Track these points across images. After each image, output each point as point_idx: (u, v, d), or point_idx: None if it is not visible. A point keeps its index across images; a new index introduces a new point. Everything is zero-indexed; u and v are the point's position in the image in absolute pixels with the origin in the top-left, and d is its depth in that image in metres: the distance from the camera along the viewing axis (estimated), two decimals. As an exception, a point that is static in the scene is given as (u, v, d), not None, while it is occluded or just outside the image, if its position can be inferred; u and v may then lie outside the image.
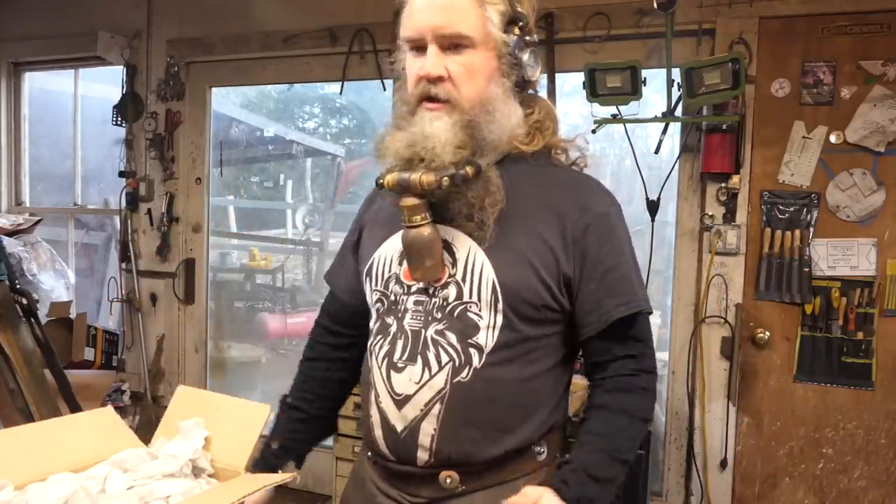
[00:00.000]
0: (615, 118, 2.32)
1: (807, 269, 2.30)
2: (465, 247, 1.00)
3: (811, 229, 2.30)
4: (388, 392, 1.01)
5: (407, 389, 0.99)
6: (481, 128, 0.98)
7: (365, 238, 1.16)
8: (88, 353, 3.09)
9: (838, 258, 2.28)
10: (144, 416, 3.14)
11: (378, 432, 1.03)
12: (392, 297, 1.05)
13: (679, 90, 2.22)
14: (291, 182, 5.14)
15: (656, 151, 2.40)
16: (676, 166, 2.45)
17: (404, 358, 1.00)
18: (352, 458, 1.12)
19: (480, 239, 0.99)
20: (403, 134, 0.98)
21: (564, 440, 1.10)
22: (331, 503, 2.54)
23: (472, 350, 0.98)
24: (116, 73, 3.22)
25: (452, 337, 0.99)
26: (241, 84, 3.40)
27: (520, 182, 1.01)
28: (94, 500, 0.92)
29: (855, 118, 2.24)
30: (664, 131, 2.37)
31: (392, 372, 1.01)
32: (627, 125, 2.35)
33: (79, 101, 3.60)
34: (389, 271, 1.06)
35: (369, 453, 1.10)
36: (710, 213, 2.38)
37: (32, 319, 2.32)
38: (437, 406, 0.98)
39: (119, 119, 3.20)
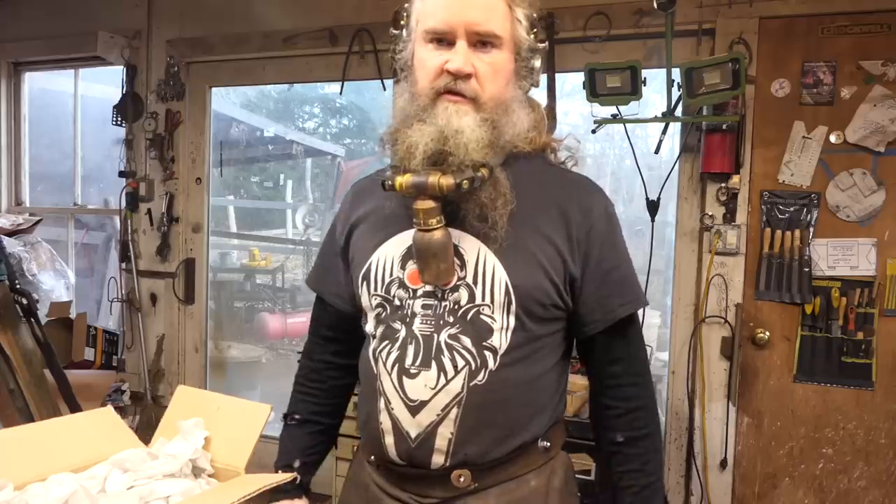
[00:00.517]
0: (615, 118, 2.32)
1: (807, 269, 2.30)
2: (474, 249, 1.00)
3: (811, 229, 2.30)
4: (402, 399, 0.99)
5: (422, 395, 0.98)
6: (500, 128, 0.98)
7: (356, 240, 1.11)
8: (88, 353, 3.09)
9: (838, 258, 2.28)
10: (144, 416, 3.14)
11: (389, 440, 1.01)
12: (396, 302, 1.02)
13: (679, 90, 2.21)
14: (291, 182, 5.15)
15: (656, 151, 2.40)
16: (676, 166, 2.45)
17: (417, 363, 0.99)
18: (351, 458, 1.12)
19: (491, 240, 0.99)
20: (429, 127, 0.95)
21: (565, 433, 1.13)
22: (330, 503, 2.54)
23: (486, 353, 0.99)
24: (116, 73, 3.22)
25: (467, 340, 0.98)
26: (241, 84, 3.40)
27: (523, 182, 1.01)
28: (94, 500, 0.92)
29: (855, 118, 2.24)
30: (664, 131, 2.37)
31: (405, 378, 0.99)
32: (627, 125, 2.35)
33: (79, 101, 3.60)
34: (391, 275, 1.03)
35: (372, 457, 1.09)
36: (710, 213, 2.38)
37: (32, 319, 2.32)
38: (455, 410, 0.98)
39: (119, 119, 3.20)
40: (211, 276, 3.31)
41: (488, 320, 0.99)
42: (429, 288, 1.00)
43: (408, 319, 1.01)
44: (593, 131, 2.34)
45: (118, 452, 1.03)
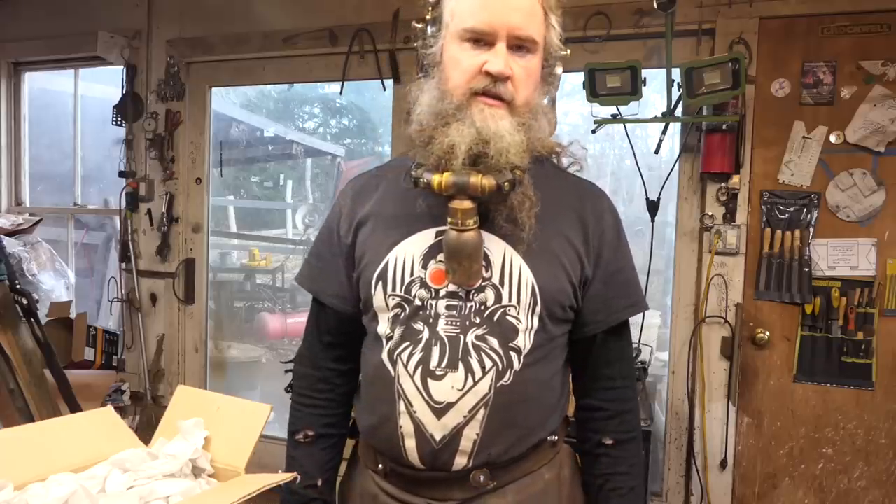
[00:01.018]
0: (615, 118, 2.32)
1: (807, 269, 2.30)
2: (500, 250, 1.00)
3: (811, 229, 2.30)
4: (426, 401, 0.98)
5: (449, 397, 0.97)
6: (532, 132, 0.99)
7: (365, 239, 1.07)
8: (88, 353, 3.08)
9: (838, 258, 2.28)
10: (144, 416, 3.14)
11: (410, 443, 1.00)
12: (417, 302, 1.00)
13: (679, 90, 2.21)
14: (291, 182, 5.14)
15: (656, 151, 2.40)
16: (676, 166, 2.45)
17: (443, 365, 0.98)
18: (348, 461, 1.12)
19: (516, 242, 0.99)
20: (468, 129, 0.94)
21: (567, 427, 1.14)
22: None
23: (512, 353, 0.99)
24: (116, 73, 3.22)
25: (494, 341, 0.98)
26: (241, 84, 3.40)
27: (541, 185, 1.01)
28: (94, 500, 0.92)
29: (855, 118, 2.24)
30: (664, 131, 2.37)
31: (430, 380, 0.98)
32: (627, 125, 2.35)
33: (79, 101, 3.60)
34: (412, 275, 1.01)
35: (379, 466, 1.07)
36: (710, 213, 2.38)
37: (32, 319, 2.32)
38: (482, 411, 0.98)
39: (119, 119, 3.20)
40: (211, 276, 3.30)
41: (514, 321, 0.99)
42: (452, 288, 0.99)
43: (431, 320, 1.00)
44: (593, 131, 2.34)
45: (118, 452, 1.03)
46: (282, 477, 1.01)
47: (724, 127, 2.27)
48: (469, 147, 0.93)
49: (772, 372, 2.37)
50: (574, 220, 1.05)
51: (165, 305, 3.23)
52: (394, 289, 1.02)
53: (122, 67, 3.18)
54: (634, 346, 1.18)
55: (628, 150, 2.43)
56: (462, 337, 0.98)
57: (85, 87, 3.66)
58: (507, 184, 0.93)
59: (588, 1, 2.44)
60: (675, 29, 2.21)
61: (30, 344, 2.26)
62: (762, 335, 2.35)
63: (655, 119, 2.35)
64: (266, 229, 5.24)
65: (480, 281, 0.99)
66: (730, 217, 2.36)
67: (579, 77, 2.25)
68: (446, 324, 0.99)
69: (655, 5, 2.08)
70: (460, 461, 0.99)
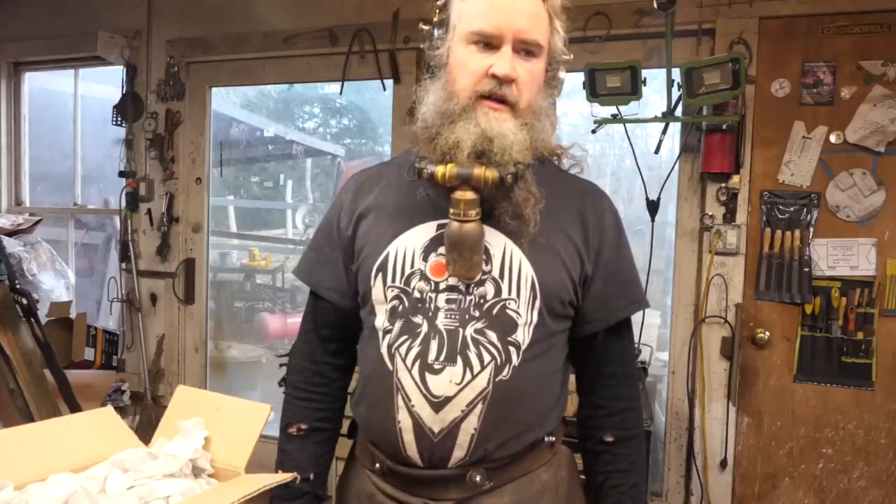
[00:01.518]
0: (615, 118, 2.32)
1: (807, 269, 2.30)
2: (500, 244, 1.01)
3: (811, 229, 2.30)
4: (424, 395, 0.98)
5: (447, 391, 0.97)
6: (535, 132, 1.00)
7: (365, 231, 1.08)
8: (88, 353, 3.08)
9: (838, 258, 2.28)
10: (144, 416, 3.14)
11: (408, 437, 1.00)
12: (417, 295, 1.01)
13: (679, 90, 2.21)
14: (291, 182, 5.14)
15: (656, 151, 2.40)
16: (676, 166, 2.45)
17: (441, 359, 0.98)
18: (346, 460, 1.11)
19: (517, 237, 1.00)
20: (473, 128, 0.96)
21: (565, 428, 1.14)
22: (330, 503, 2.54)
23: (511, 348, 0.99)
24: (116, 73, 3.22)
25: (493, 335, 0.99)
26: (241, 84, 3.40)
27: (543, 183, 1.02)
28: (94, 500, 0.92)
29: (855, 118, 2.24)
30: (664, 131, 2.37)
31: (428, 374, 0.98)
32: (627, 125, 2.35)
33: (79, 101, 3.60)
34: (412, 267, 1.01)
35: (376, 465, 1.07)
36: (710, 213, 2.38)
37: (32, 319, 2.32)
38: (480, 406, 0.98)
39: (119, 119, 3.20)
40: (211, 276, 3.30)
41: (514, 315, 1.00)
42: (452, 281, 0.99)
43: (430, 314, 1.00)
44: (593, 131, 2.34)
45: (118, 452, 1.03)
46: (282, 477, 1.01)
47: (724, 127, 2.27)
48: (474, 144, 0.95)
49: (772, 372, 2.37)
50: (575, 217, 1.06)
51: (165, 305, 3.23)
52: (393, 280, 1.02)
53: (122, 67, 3.18)
54: (635, 345, 1.18)
55: (628, 150, 2.43)
56: (461, 330, 0.98)
57: (85, 87, 3.66)
58: (510, 176, 0.95)
59: (588, 1, 2.44)
60: (675, 29, 2.21)
61: (30, 344, 2.26)
62: (762, 335, 2.35)
63: (655, 119, 2.35)
64: (266, 229, 5.24)
65: (480, 274, 0.99)
66: (730, 217, 2.36)
67: (579, 77, 2.25)
68: (445, 317, 0.99)
69: (655, 5, 2.08)
70: (458, 454, 0.99)
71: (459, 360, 0.98)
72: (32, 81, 3.66)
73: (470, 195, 0.95)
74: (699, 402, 2.43)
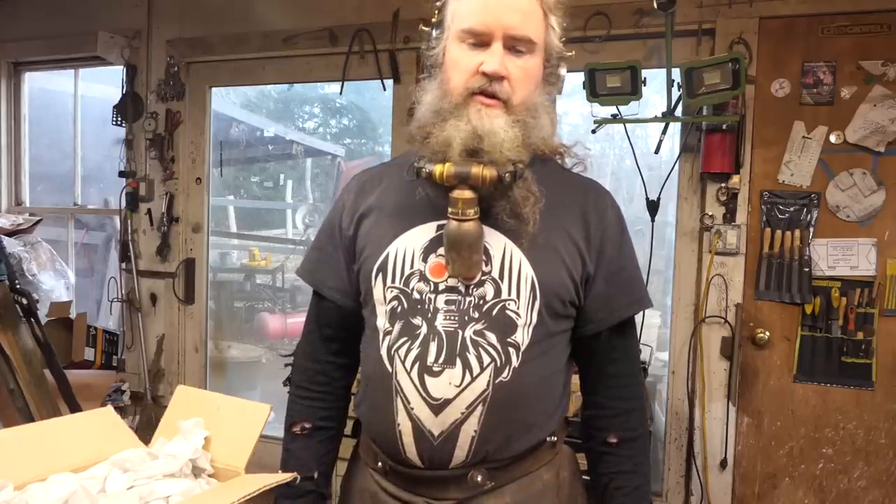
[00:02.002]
0: (615, 118, 2.32)
1: (807, 269, 2.30)
2: (500, 244, 1.00)
3: (811, 229, 2.30)
4: (423, 398, 0.98)
5: (446, 393, 0.97)
6: (529, 130, 0.99)
7: (367, 231, 1.08)
8: (88, 353, 3.08)
9: (838, 258, 2.28)
10: (144, 416, 3.14)
11: (408, 440, 1.00)
12: (415, 296, 1.00)
13: (679, 90, 2.21)
14: (291, 182, 5.14)
15: (656, 151, 2.40)
16: (676, 166, 2.45)
17: (441, 361, 0.97)
18: (349, 460, 1.11)
19: (517, 237, 0.99)
20: (464, 125, 0.96)
21: (566, 428, 1.14)
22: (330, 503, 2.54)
23: (510, 349, 0.99)
24: (116, 73, 3.22)
25: (493, 337, 0.98)
26: (241, 84, 3.40)
27: (544, 182, 1.01)
28: (94, 500, 0.92)
29: (855, 118, 2.24)
30: (664, 131, 2.37)
31: (427, 376, 0.97)
32: (627, 125, 2.34)
33: (79, 101, 3.60)
34: (411, 267, 1.01)
35: (378, 464, 1.07)
36: (710, 213, 2.38)
37: (32, 319, 2.32)
38: (480, 408, 0.97)
39: (119, 119, 3.20)
40: (211, 276, 3.30)
41: (513, 316, 0.99)
42: (452, 283, 0.99)
43: (429, 315, 0.99)
44: (593, 131, 2.34)
45: (118, 452, 1.03)
46: (282, 477, 1.01)
47: (724, 127, 2.27)
48: (464, 141, 0.95)
49: (772, 372, 2.37)
50: (576, 216, 1.05)
51: (165, 305, 3.23)
52: (393, 281, 1.02)
53: (122, 67, 3.18)
54: (638, 345, 1.17)
55: (628, 150, 2.43)
56: (460, 332, 0.98)
57: (85, 87, 3.66)
58: (508, 175, 0.94)
59: (588, 1, 2.44)
60: (675, 29, 2.21)
61: (30, 344, 2.26)
62: (762, 335, 2.35)
63: (655, 119, 2.35)
64: (266, 229, 5.24)
65: (480, 275, 0.99)
66: (730, 217, 2.36)
67: (579, 77, 2.25)
68: (445, 319, 0.99)
69: (655, 5, 2.08)
70: (459, 456, 0.99)
71: (459, 362, 0.97)
72: (32, 81, 3.66)
73: (468, 194, 0.94)
74: (699, 402, 2.43)
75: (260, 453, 1.08)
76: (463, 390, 0.97)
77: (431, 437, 0.98)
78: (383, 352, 1.02)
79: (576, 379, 1.16)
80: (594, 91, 2.22)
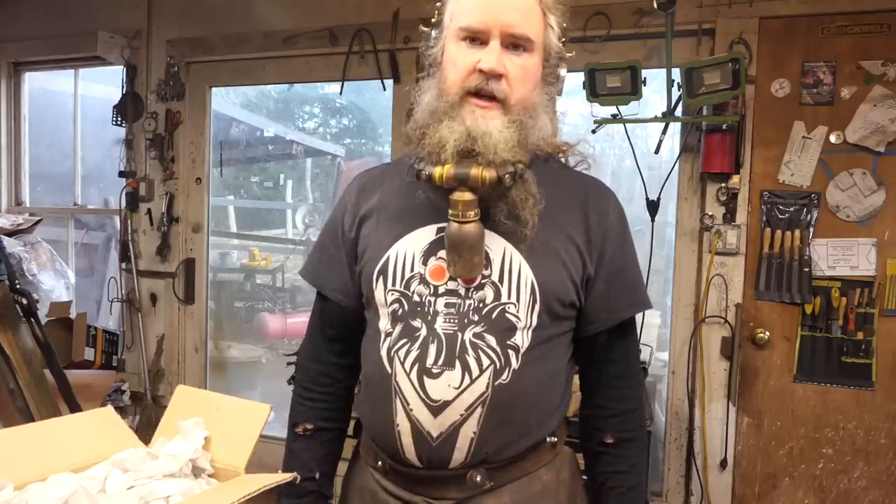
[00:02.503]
0: (615, 118, 2.32)
1: (807, 269, 2.30)
2: (500, 247, 1.00)
3: (811, 229, 2.30)
4: (422, 399, 0.98)
5: (445, 395, 0.97)
6: (527, 130, 0.99)
7: (368, 234, 1.08)
8: (88, 353, 3.08)
9: (838, 258, 2.28)
10: (144, 416, 3.14)
11: (407, 441, 1.00)
12: (416, 298, 1.00)
13: (679, 90, 2.21)
14: (291, 182, 5.14)
15: (656, 151, 2.40)
16: (676, 166, 2.45)
17: (440, 363, 0.97)
18: (350, 459, 1.11)
19: (517, 239, 0.99)
20: (458, 126, 0.95)
21: (567, 429, 1.14)
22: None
23: (510, 351, 0.99)
24: (116, 73, 3.22)
25: (492, 339, 0.98)
26: (241, 84, 3.40)
27: (544, 183, 1.01)
28: (94, 500, 0.92)
29: (855, 118, 2.24)
30: (664, 131, 2.37)
31: (426, 378, 0.97)
32: (627, 125, 2.35)
33: (79, 101, 3.60)
34: (412, 270, 1.01)
35: (379, 463, 1.08)
36: (710, 213, 2.38)
37: (32, 319, 2.32)
38: (479, 409, 0.97)
39: (119, 119, 3.20)
40: (211, 276, 3.30)
41: (513, 319, 0.99)
42: (452, 286, 0.99)
43: (429, 318, 0.99)
44: (593, 131, 2.34)
45: (118, 452, 1.03)
46: (282, 477, 1.01)
47: (724, 127, 2.27)
48: (457, 143, 0.94)
49: (772, 372, 2.37)
50: (577, 217, 1.05)
51: (165, 305, 3.23)
52: (394, 284, 1.02)
53: (122, 67, 3.18)
54: (638, 346, 1.17)
55: (628, 150, 2.43)
56: (459, 335, 0.98)
57: (85, 87, 3.66)
58: (507, 176, 0.94)
59: (588, 1, 2.44)
60: (675, 29, 2.21)
61: (30, 344, 2.26)
62: (762, 335, 2.35)
63: (655, 119, 2.35)
64: (266, 229, 5.24)
65: (480, 278, 0.99)
66: (730, 217, 2.36)
67: (579, 77, 2.25)
68: (444, 321, 0.99)
69: (655, 5, 2.08)
70: (458, 457, 0.99)
71: (458, 364, 0.97)
72: (32, 81, 3.66)
73: (468, 196, 0.94)
74: (699, 402, 2.43)
75: (260, 453, 1.08)
76: (462, 392, 0.97)
77: (430, 438, 0.98)
78: (383, 353, 1.03)
79: (576, 379, 1.16)
80: (594, 91, 2.22)
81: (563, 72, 1.06)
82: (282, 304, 4.51)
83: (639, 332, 2.35)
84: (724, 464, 2.41)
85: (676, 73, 2.17)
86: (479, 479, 1.00)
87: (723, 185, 2.35)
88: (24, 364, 2.20)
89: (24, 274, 3.18)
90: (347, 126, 5.26)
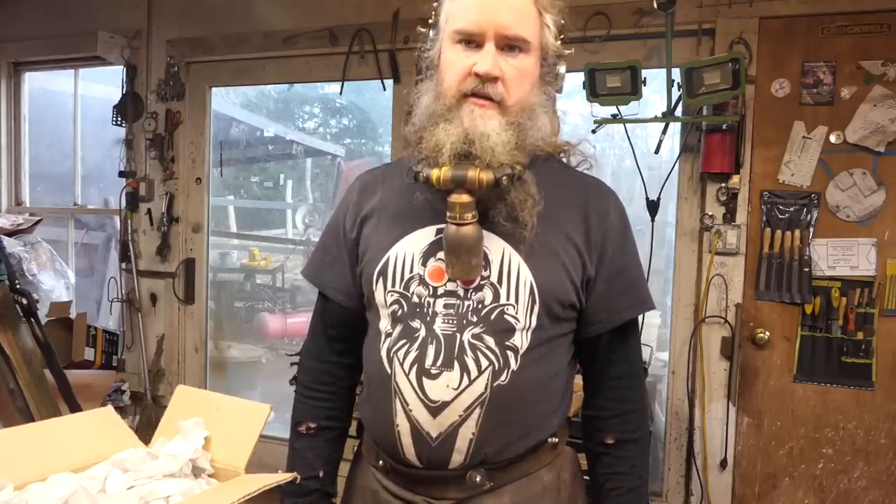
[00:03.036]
0: (615, 118, 2.32)
1: (807, 269, 2.30)
2: (499, 248, 1.00)
3: (811, 229, 2.30)
4: (421, 400, 0.98)
5: (444, 396, 0.97)
6: (525, 131, 0.99)
7: (369, 234, 1.08)
8: (88, 353, 3.08)
9: (838, 258, 2.28)
10: (144, 416, 3.14)
11: (406, 441, 1.00)
12: (415, 299, 1.01)
13: (679, 90, 2.21)
14: (291, 182, 5.14)
15: (656, 151, 2.40)
16: (676, 166, 2.45)
17: (439, 364, 0.97)
18: (352, 459, 1.11)
19: (516, 240, 0.99)
20: (455, 128, 0.95)
21: (569, 429, 1.13)
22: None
23: (509, 352, 0.99)
24: (116, 73, 3.22)
25: (491, 340, 0.98)
26: (241, 84, 3.40)
27: (544, 183, 1.01)
28: (94, 500, 0.92)
29: (855, 118, 2.24)
30: (664, 131, 2.37)
31: (425, 379, 0.98)
32: (627, 125, 2.35)
33: (79, 101, 3.60)
34: (411, 271, 1.01)
35: (380, 462, 1.08)
36: (710, 213, 2.38)
37: (32, 319, 2.32)
38: (477, 410, 0.97)
39: (119, 119, 3.20)
40: (211, 276, 3.30)
41: (511, 320, 0.99)
42: (451, 287, 0.99)
43: (428, 318, 1.00)
44: (593, 131, 2.34)
45: (118, 452, 1.03)
46: (282, 477, 1.01)
47: (724, 127, 2.27)
48: (454, 145, 0.94)
49: (772, 372, 2.37)
50: (577, 217, 1.04)
51: (165, 305, 3.23)
52: (394, 285, 1.02)
53: (122, 67, 3.18)
54: (640, 346, 1.17)
55: (628, 150, 2.43)
56: (458, 336, 0.98)
57: (85, 87, 3.66)
58: (505, 178, 0.94)
59: (588, 1, 2.44)
60: (675, 29, 2.21)
61: (30, 344, 2.26)
62: (762, 335, 2.35)
63: (655, 119, 2.35)
64: (266, 229, 5.24)
65: (479, 279, 0.99)
66: (730, 217, 2.36)
67: (579, 77, 2.25)
68: (443, 322, 0.99)
69: (655, 5, 2.08)
70: (457, 459, 0.99)
71: (457, 365, 0.97)
72: (32, 81, 3.66)
73: (465, 198, 0.94)
74: (699, 402, 2.43)
75: (260, 453, 1.08)
76: (460, 393, 0.97)
77: (429, 438, 0.99)
78: (383, 353, 1.03)
79: (577, 379, 1.16)
80: (594, 91, 2.22)
81: (562, 69, 1.06)
82: (282, 304, 4.51)
83: (639, 332, 2.36)
84: (724, 464, 2.41)
85: (676, 73, 2.17)
86: (478, 479, 1.00)
87: (723, 185, 2.35)
88: (24, 364, 2.20)
89: (24, 274, 3.18)
90: (347, 126, 5.26)
